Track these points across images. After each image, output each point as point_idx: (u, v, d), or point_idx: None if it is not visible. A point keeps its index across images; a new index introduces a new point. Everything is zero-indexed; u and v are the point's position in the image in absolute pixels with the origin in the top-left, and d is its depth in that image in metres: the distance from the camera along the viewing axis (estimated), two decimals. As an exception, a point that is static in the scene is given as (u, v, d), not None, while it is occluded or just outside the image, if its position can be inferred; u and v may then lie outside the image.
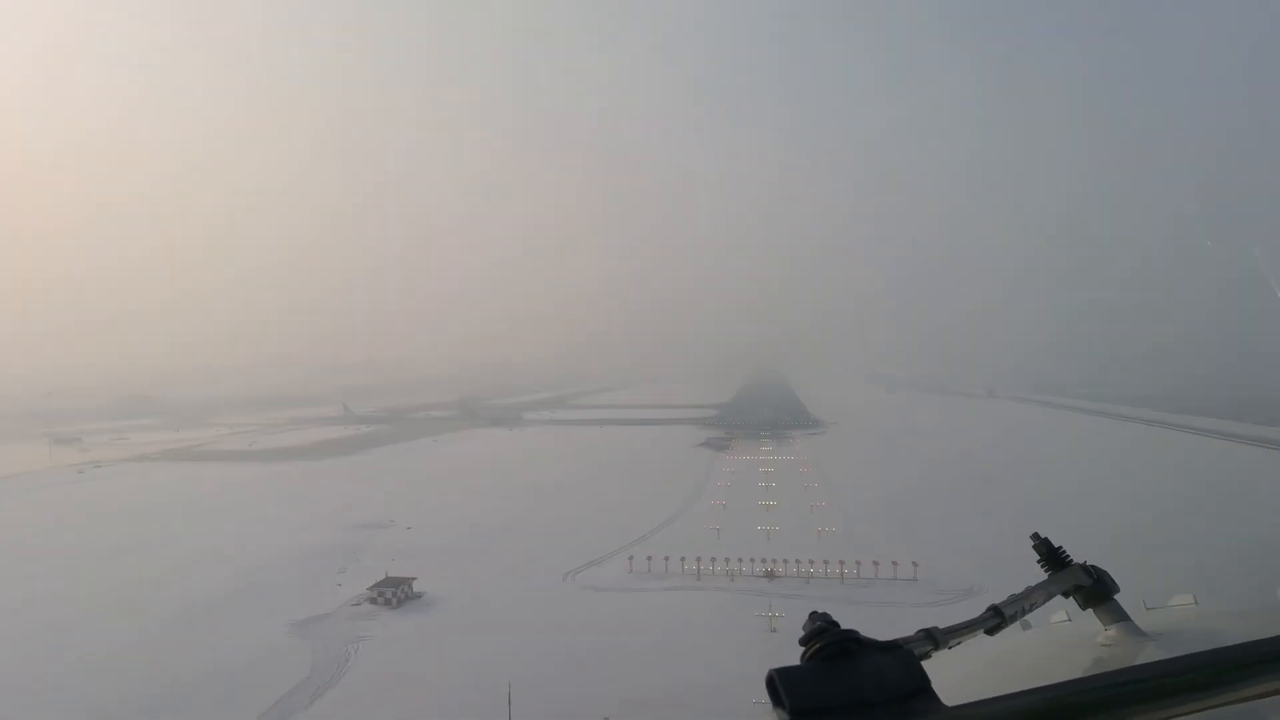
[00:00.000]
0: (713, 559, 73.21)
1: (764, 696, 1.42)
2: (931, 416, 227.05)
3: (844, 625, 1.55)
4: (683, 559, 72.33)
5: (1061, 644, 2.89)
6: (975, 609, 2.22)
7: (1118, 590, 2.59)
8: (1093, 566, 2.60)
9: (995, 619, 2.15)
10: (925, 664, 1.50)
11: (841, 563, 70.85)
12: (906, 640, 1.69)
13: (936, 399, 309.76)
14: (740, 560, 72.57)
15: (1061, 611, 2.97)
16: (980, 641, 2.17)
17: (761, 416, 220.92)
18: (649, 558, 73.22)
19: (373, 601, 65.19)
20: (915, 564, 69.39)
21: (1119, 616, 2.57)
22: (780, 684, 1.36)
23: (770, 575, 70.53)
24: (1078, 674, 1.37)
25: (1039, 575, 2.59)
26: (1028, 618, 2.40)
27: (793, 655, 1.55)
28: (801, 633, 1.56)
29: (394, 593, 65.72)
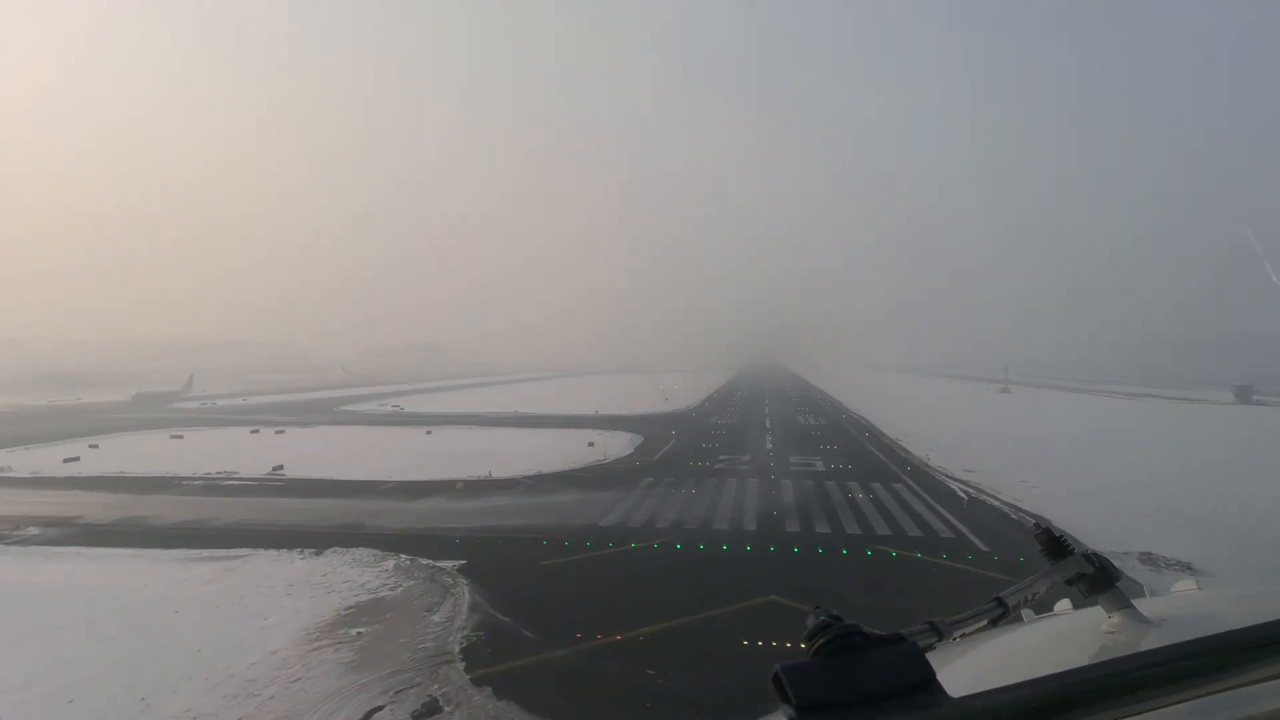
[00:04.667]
0: None
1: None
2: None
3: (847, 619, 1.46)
4: None
5: (1066, 632, 2.61)
6: None
7: (1120, 577, 2.36)
8: (1095, 554, 2.37)
9: (999, 609, 2.07)
10: (930, 656, 1.41)
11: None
12: (911, 632, 1.59)
13: (1138, 406, 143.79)
14: None
15: (1065, 600, 2.80)
16: (985, 632, 2.12)
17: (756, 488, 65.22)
18: None
19: None
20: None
21: (1122, 604, 2.34)
22: (786, 680, 1.26)
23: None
24: (1082, 662, 1.34)
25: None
26: (1031, 607, 2.39)
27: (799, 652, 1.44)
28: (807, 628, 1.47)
29: None
